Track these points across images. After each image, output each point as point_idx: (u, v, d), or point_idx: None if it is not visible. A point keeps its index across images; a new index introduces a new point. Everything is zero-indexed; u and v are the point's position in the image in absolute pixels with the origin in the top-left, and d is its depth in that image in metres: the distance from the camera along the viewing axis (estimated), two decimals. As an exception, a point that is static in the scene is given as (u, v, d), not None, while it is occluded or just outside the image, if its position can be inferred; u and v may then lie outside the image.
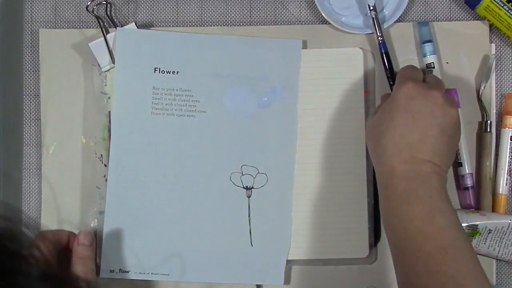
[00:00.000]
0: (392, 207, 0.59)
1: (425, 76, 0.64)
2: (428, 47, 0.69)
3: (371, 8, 0.68)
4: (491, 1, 0.67)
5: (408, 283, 0.57)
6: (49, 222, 0.71)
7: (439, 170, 0.59)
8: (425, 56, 0.69)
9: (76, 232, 0.68)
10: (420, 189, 0.58)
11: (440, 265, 0.55)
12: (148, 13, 0.73)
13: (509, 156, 0.69)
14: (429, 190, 0.58)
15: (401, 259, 0.58)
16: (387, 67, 0.69)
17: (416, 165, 0.59)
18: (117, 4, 0.73)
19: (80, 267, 0.64)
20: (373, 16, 0.68)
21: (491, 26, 0.70)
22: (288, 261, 0.70)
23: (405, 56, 0.71)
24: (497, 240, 0.67)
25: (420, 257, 0.56)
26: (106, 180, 0.71)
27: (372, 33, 0.70)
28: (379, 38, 0.69)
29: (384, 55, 0.69)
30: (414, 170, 0.59)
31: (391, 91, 0.69)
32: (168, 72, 0.70)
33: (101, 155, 0.71)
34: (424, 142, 0.59)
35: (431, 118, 0.59)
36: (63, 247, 0.67)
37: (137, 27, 0.71)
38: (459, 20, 0.71)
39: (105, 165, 0.71)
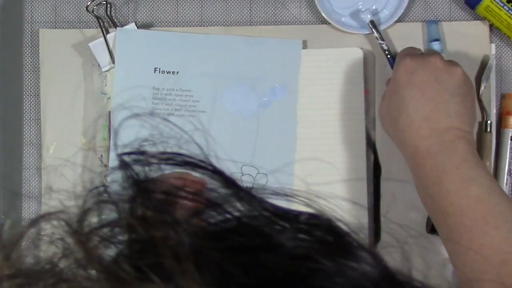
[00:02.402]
0: (424, 188, 0.57)
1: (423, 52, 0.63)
2: (435, 45, 0.69)
3: (370, 24, 0.69)
4: (491, 1, 0.67)
5: (459, 261, 0.54)
6: (49, 222, 0.71)
7: (463, 134, 0.57)
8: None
9: None
10: (446, 162, 0.55)
11: (483, 237, 0.52)
12: (148, 13, 0.73)
13: (509, 156, 0.69)
14: (456, 161, 0.55)
15: (446, 237, 0.55)
16: None
17: (437, 137, 0.57)
18: (117, 4, 0.73)
19: None
20: (379, 40, 0.68)
21: (491, 26, 0.70)
22: (288, 261, 0.70)
23: (405, 56, 0.71)
24: (497, 240, 0.67)
25: (463, 232, 0.53)
26: (106, 180, 0.71)
27: (371, 33, 0.70)
28: (386, 53, 0.69)
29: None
30: (436, 143, 0.56)
31: None
32: (168, 72, 0.70)
33: (101, 155, 0.71)
34: (438, 110, 0.57)
35: (437, 84, 0.58)
36: None
37: (137, 27, 0.71)
38: (459, 20, 0.71)
39: (105, 165, 0.71)
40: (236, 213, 0.33)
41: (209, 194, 0.35)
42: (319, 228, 0.33)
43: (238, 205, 0.34)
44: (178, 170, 0.37)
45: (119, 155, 0.36)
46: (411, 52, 0.62)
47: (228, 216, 0.33)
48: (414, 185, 0.60)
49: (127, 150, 0.36)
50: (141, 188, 0.33)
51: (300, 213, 0.34)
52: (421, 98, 0.58)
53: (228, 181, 0.36)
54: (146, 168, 0.35)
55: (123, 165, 0.35)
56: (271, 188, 0.36)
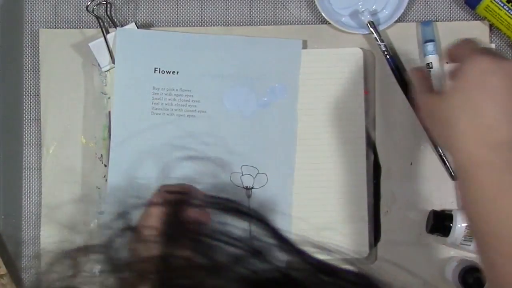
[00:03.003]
0: (474, 201, 0.52)
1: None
2: (429, 46, 0.69)
3: (370, 25, 0.69)
4: (491, 1, 0.67)
5: (495, 284, 0.50)
6: (49, 222, 0.71)
7: None
8: (426, 56, 0.69)
9: None
10: (507, 182, 0.50)
11: None
12: (148, 13, 0.73)
13: None
14: None
15: (487, 258, 0.51)
16: (399, 79, 0.69)
17: (504, 151, 0.51)
18: (117, 4, 0.73)
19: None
20: (379, 41, 0.69)
21: (491, 26, 0.70)
22: (288, 261, 0.70)
23: (406, 56, 0.71)
24: (497, 240, 0.66)
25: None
26: (106, 180, 0.71)
27: (371, 33, 0.70)
28: (385, 54, 0.69)
29: (393, 70, 0.70)
30: (502, 157, 0.51)
31: (407, 97, 0.69)
32: (168, 72, 0.70)
33: (101, 155, 0.71)
34: (506, 121, 0.51)
35: (509, 93, 0.52)
36: None
37: (137, 27, 0.71)
38: (459, 20, 0.71)
39: (105, 165, 0.71)
40: (279, 263, 0.33)
41: (253, 242, 0.35)
42: (358, 286, 0.33)
43: (279, 255, 0.34)
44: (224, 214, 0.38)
45: (164, 192, 0.36)
46: (487, 52, 0.55)
47: (271, 266, 0.33)
48: (459, 191, 0.54)
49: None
50: (177, 230, 0.34)
51: (341, 270, 0.34)
52: (491, 104, 0.52)
53: (273, 231, 0.36)
54: (193, 210, 0.35)
55: (122, 214, 0.35)
56: (313, 241, 0.35)
